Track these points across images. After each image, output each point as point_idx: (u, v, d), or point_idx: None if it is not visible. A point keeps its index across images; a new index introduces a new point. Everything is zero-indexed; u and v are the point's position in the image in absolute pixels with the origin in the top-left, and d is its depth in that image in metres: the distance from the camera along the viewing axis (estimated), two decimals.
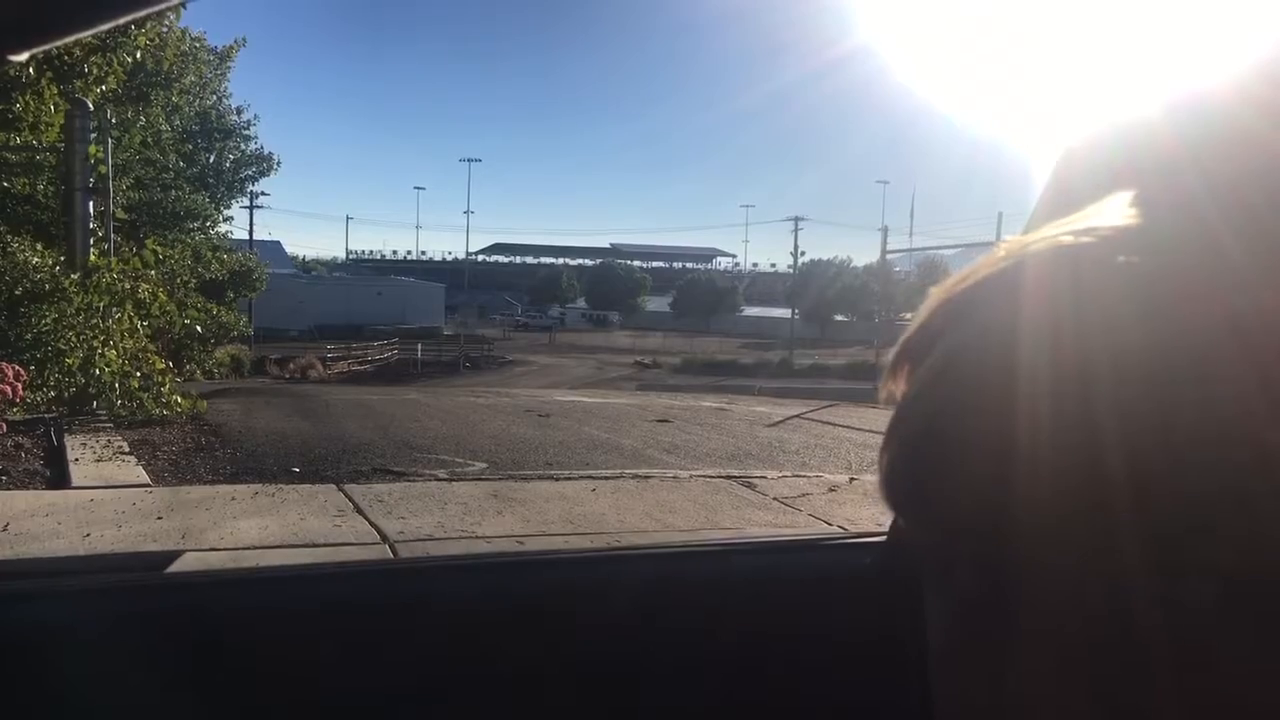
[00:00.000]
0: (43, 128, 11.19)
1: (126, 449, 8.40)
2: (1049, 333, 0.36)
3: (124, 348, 10.57)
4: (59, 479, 7.21)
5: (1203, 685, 0.33)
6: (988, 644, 0.38)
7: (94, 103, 12.14)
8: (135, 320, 11.13)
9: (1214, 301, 0.35)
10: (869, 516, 6.86)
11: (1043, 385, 0.36)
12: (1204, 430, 0.33)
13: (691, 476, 8.35)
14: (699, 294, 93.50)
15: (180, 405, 10.48)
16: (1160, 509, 0.33)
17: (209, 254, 22.46)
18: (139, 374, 10.47)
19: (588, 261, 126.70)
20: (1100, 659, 0.35)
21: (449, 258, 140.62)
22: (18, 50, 0.53)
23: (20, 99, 10.55)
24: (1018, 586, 0.36)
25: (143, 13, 0.53)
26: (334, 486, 7.11)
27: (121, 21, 0.54)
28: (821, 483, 8.33)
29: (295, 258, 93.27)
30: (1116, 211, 0.39)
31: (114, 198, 12.84)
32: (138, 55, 12.51)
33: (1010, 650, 0.37)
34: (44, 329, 10.30)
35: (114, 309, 10.92)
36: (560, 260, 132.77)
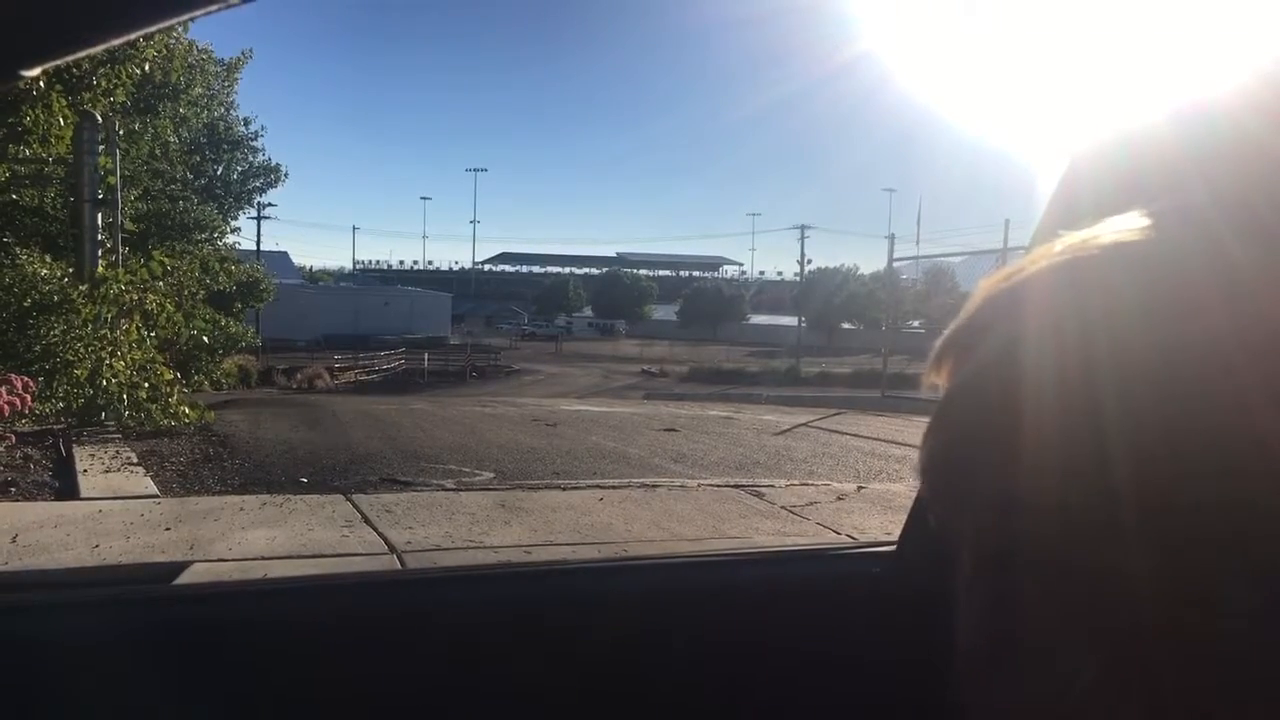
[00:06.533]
0: (52, 140, 11.24)
1: (135, 460, 8.41)
2: (1069, 343, 0.37)
3: (132, 359, 10.60)
4: (67, 490, 7.22)
5: (1219, 679, 0.33)
6: (1018, 643, 0.38)
7: (102, 115, 12.19)
8: (143, 331, 11.16)
9: (1219, 310, 0.35)
10: (878, 525, 6.85)
11: (1057, 401, 0.36)
12: (1209, 439, 0.33)
13: (699, 485, 8.34)
14: (705, 302, 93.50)
15: (188, 416, 10.49)
16: (1170, 512, 0.33)
17: (216, 265, 22.50)
18: (147, 385, 10.49)
19: (594, 270, 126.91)
20: (1120, 658, 0.35)
21: (455, 267, 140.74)
22: (30, 66, 0.53)
23: (29, 112, 10.61)
24: (1048, 584, 0.37)
25: (154, 28, 0.53)
26: (342, 497, 7.11)
27: (133, 37, 0.54)
28: (829, 491, 8.31)
29: (302, 268, 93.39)
30: (1130, 216, 0.40)
31: (122, 209, 12.88)
32: (146, 68, 12.59)
33: (1038, 649, 0.37)
34: (52, 340, 10.33)
35: (122, 320, 10.95)
36: (566, 269, 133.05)
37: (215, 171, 29.45)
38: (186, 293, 12.81)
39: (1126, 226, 0.40)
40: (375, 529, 6.13)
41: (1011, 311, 0.41)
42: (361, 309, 70.09)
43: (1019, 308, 0.41)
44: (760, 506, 7.53)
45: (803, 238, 71.74)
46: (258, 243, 54.96)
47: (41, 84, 9.75)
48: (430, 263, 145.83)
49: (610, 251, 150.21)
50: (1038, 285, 0.41)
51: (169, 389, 10.67)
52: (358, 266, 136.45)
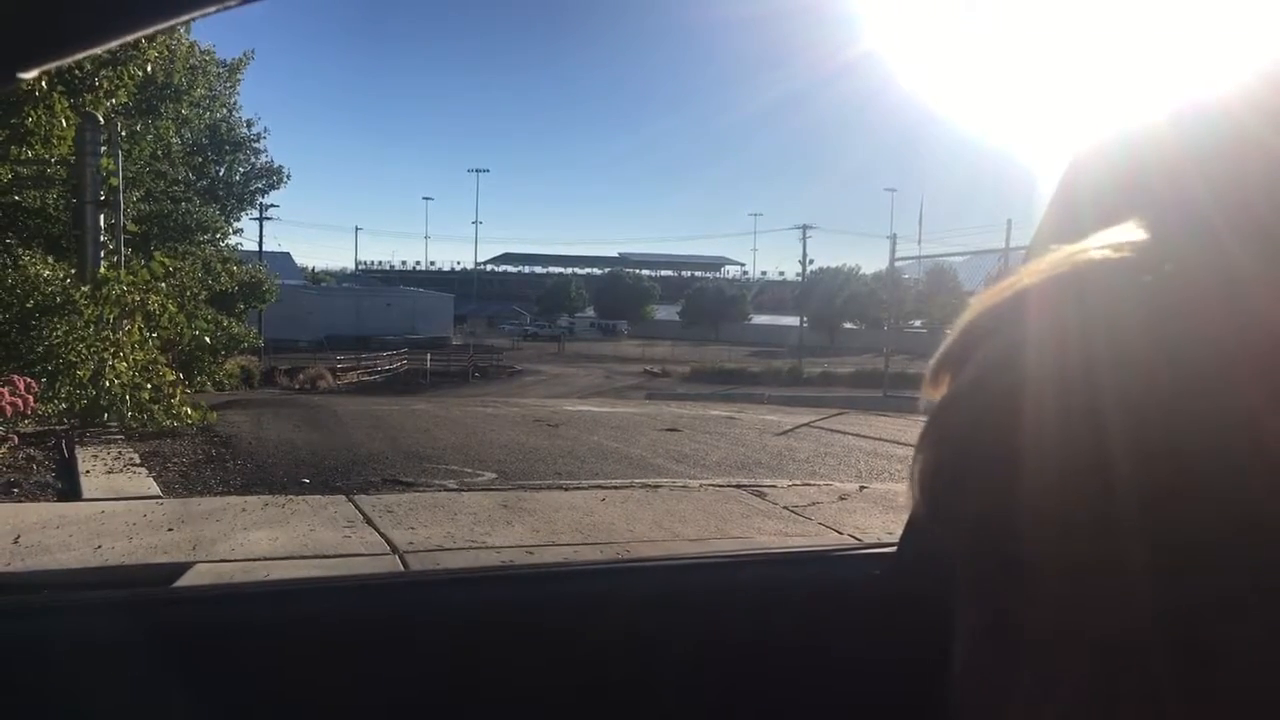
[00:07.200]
0: (54, 141, 11.26)
1: (137, 461, 8.42)
2: (1065, 350, 0.37)
3: (134, 360, 10.60)
4: (70, 491, 7.22)
5: (1220, 682, 0.33)
6: (1017, 646, 0.38)
7: (104, 116, 12.20)
8: (145, 332, 11.17)
9: (1219, 309, 0.35)
10: (880, 525, 6.84)
11: (1057, 401, 0.36)
12: (1210, 437, 0.33)
13: (701, 485, 8.34)
14: (707, 302, 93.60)
15: (190, 417, 10.50)
16: (1170, 517, 0.33)
17: (219, 266, 22.54)
18: (149, 386, 10.50)
19: (596, 271, 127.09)
20: (1120, 661, 0.35)
21: (458, 268, 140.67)
22: (27, 68, 0.53)
23: (31, 113, 10.62)
24: (1048, 586, 0.37)
25: (150, 30, 0.53)
26: (344, 497, 7.11)
27: (129, 39, 0.54)
28: (831, 491, 8.31)
29: (304, 269, 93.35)
30: (1128, 227, 0.40)
31: (124, 210, 12.90)
32: (148, 69, 12.60)
33: (1037, 651, 0.37)
34: (55, 341, 10.35)
35: (124, 321, 10.95)
36: (569, 270, 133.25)
37: (217, 173, 29.49)
38: (189, 293, 12.84)
39: (1126, 234, 0.40)
40: (377, 529, 6.13)
41: (1012, 317, 0.41)
42: (364, 310, 70.18)
43: (1019, 314, 0.41)
44: (762, 506, 7.52)
45: (804, 238, 71.89)
46: (260, 243, 55.13)
47: (44, 85, 9.77)
48: (433, 263, 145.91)
49: (612, 252, 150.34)
50: (1038, 291, 0.40)
51: (171, 390, 10.67)
52: (360, 267, 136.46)
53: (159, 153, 21.33)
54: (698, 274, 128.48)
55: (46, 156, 12.14)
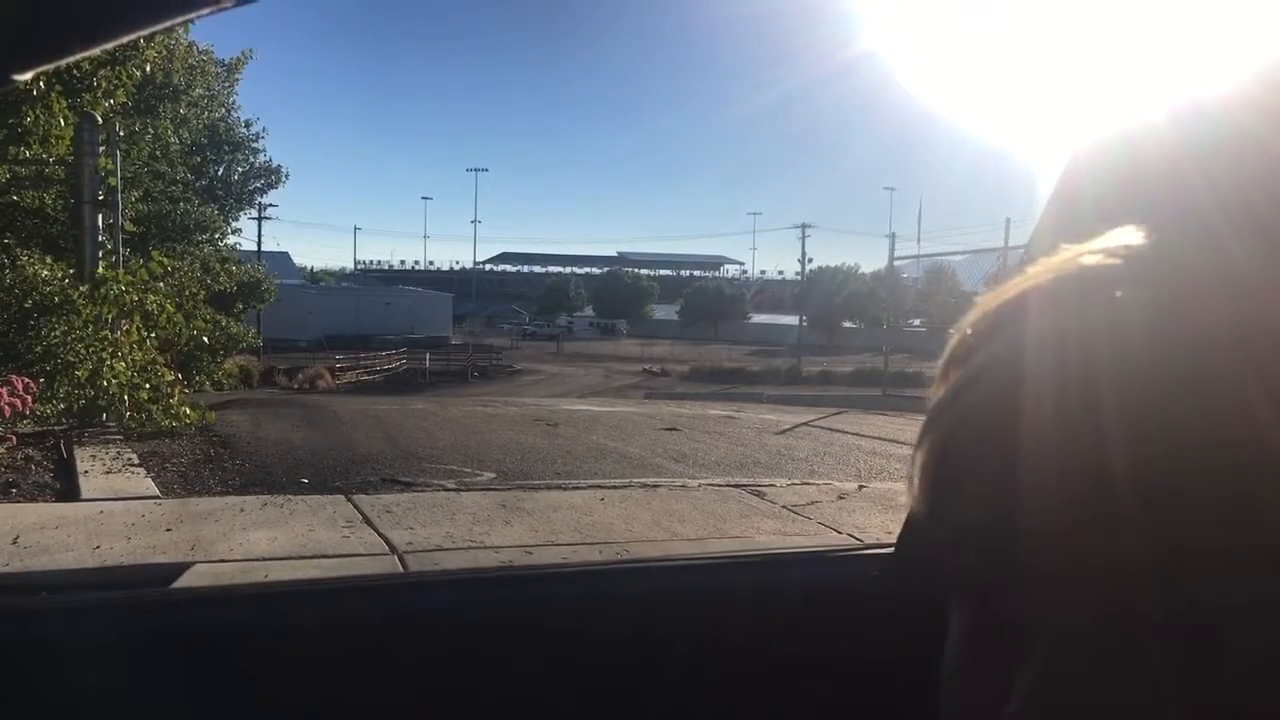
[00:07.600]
0: (52, 141, 11.25)
1: (136, 461, 8.42)
2: (1065, 348, 0.37)
3: (133, 359, 10.59)
4: (68, 491, 7.22)
5: (1220, 676, 0.33)
6: (1009, 660, 0.38)
7: (103, 116, 12.18)
8: (144, 332, 11.16)
9: (1219, 307, 0.35)
10: (879, 524, 6.84)
11: (1057, 398, 0.36)
12: (1209, 435, 0.33)
13: (700, 485, 8.34)
14: (706, 301, 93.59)
15: (189, 417, 10.49)
16: (1168, 515, 0.33)
17: (217, 265, 22.49)
18: (148, 386, 10.49)
19: (595, 270, 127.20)
20: (1120, 657, 0.35)
21: (456, 267, 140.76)
22: (22, 70, 0.53)
23: (30, 113, 10.61)
24: (1046, 582, 0.37)
25: (144, 32, 0.53)
26: (343, 497, 7.10)
27: (123, 41, 0.54)
28: (830, 490, 8.31)
29: (303, 268, 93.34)
30: (1129, 229, 0.40)
31: (122, 210, 12.88)
32: (147, 69, 12.59)
33: (1035, 649, 0.37)
34: (53, 341, 10.33)
35: (122, 321, 10.94)
36: (568, 269, 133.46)
37: (216, 172, 29.50)
38: (187, 293, 12.82)
39: (1128, 234, 0.40)
40: (376, 529, 6.13)
41: (1016, 317, 0.41)
42: (363, 309, 70.11)
43: (1023, 313, 0.41)
44: (761, 506, 7.52)
45: (804, 237, 71.80)
46: (259, 243, 55.04)
47: (42, 85, 9.75)
48: (431, 263, 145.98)
49: (611, 251, 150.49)
50: (1041, 291, 0.41)
51: (170, 390, 10.66)
52: (359, 267, 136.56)
53: (157, 152, 21.32)
54: (697, 273, 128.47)
55: (45, 156, 12.12)
